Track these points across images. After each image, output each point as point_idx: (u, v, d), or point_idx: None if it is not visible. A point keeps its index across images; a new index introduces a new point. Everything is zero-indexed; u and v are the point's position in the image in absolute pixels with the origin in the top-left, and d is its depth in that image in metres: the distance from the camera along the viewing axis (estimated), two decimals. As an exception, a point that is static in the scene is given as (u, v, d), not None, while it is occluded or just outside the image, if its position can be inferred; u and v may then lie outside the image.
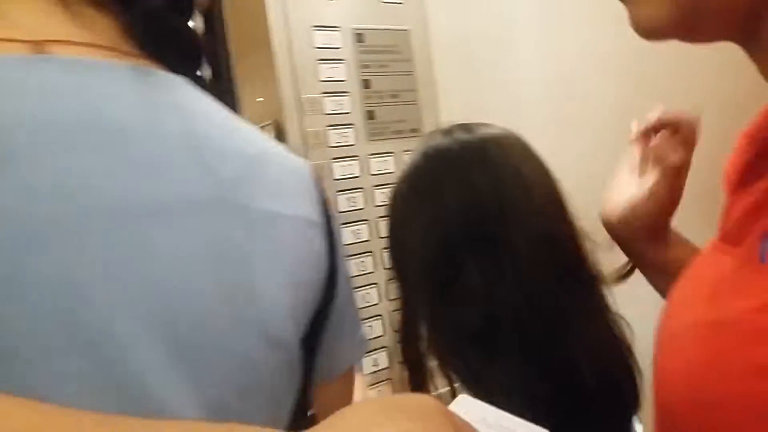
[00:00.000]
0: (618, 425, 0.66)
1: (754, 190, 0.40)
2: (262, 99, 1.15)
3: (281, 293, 0.43)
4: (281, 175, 0.46)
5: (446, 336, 0.63)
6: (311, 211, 0.47)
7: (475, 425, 0.34)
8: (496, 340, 0.60)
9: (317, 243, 0.47)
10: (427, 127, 1.22)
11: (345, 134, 1.13)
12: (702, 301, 0.40)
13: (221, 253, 0.40)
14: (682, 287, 0.46)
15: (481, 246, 0.61)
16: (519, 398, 0.56)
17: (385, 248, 1.15)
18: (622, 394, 0.65)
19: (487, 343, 0.61)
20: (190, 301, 0.38)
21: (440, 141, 0.66)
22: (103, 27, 0.41)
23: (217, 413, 0.38)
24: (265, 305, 0.41)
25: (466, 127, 0.67)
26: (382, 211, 1.16)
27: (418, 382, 0.67)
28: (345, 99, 1.14)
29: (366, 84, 1.17)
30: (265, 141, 0.47)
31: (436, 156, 0.65)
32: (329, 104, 1.12)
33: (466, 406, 0.38)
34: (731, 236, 0.41)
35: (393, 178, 1.17)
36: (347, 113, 1.14)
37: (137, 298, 0.36)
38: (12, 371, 0.32)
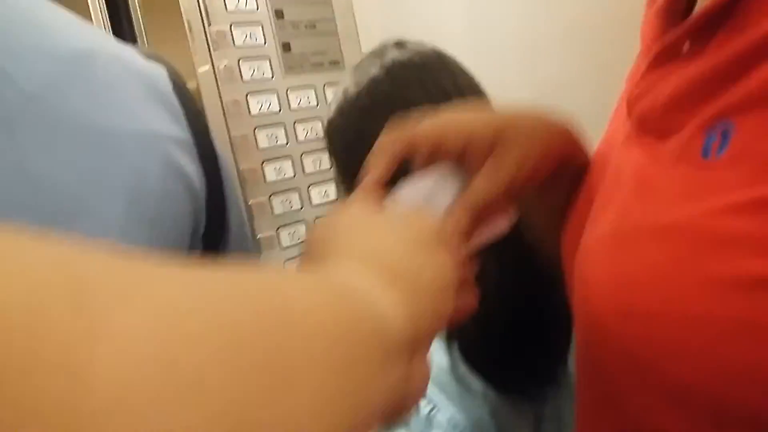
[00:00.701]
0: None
1: (689, 66, 0.32)
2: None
3: (121, 231, 0.34)
4: (116, 81, 0.36)
5: None
6: (172, 127, 0.38)
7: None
8: None
9: (180, 166, 0.38)
10: (349, 59, 1.17)
11: (260, 68, 1.07)
12: (628, 205, 0.34)
13: (22, 189, 0.31)
14: (593, 190, 0.40)
15: None
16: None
17: (313, 184, 1.11)
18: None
19: None
20: None
21: (393, 55, 0.67)
22: None
23: None
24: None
25: (401, 44, 0.68)
26: (306, 147, 1.10)
27: None
28: (257, 30, 1.07)
29: (279, 14, 1.10)
30: (102, 40, 0.37)
31: (398, 66, 0.66)
32: (240, 36, 1.05)
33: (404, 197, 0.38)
34: (655, 126, 0.34)
35: (315, 113, 1.12)
36: (261, 45, 1.07)
37: None
38: None
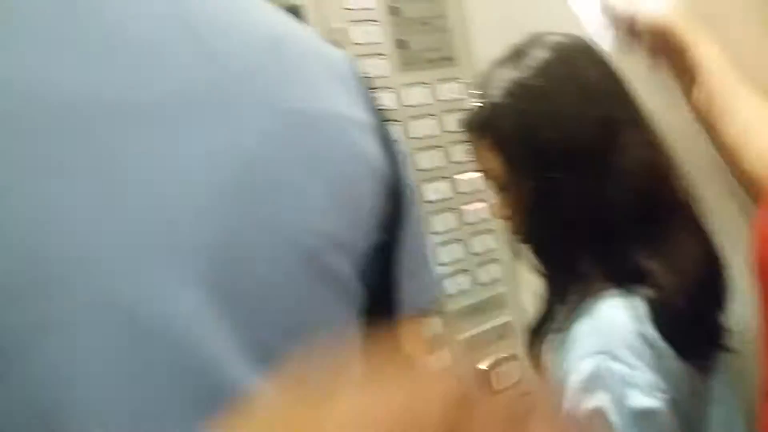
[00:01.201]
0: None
1: None
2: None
3: (321, 213, 0.35)
4: (307, 64, 0.36)
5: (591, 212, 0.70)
6: (353, 110, 0.38)
7: None
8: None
9: (366, 147, 0.38)
10: (462, 55, 1.15)
11: (376, 65, 1.07)
12: None
13: (235, 164, 0.32)
14: None
15: (631, 120, 0.72)
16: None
17: (425, 180, 1.09)
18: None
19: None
20: (205, 229, 0.31)
21: (556, 38, 0.74)
22: None
23: (262, 357, 0.32)
24: (302, 230, 0.34)
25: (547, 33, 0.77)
26: (418, 143, 1.09)
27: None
28: (373, 27, 1.07)
29: (394, 11, 1.10)
30: (289, 23, 0.38)
31: (568, 47, 0.74)
32: (356, 34, 1.06)
33: None
34: None
35: (429, 109, 1.11)
36: (377, 42, 1.07)
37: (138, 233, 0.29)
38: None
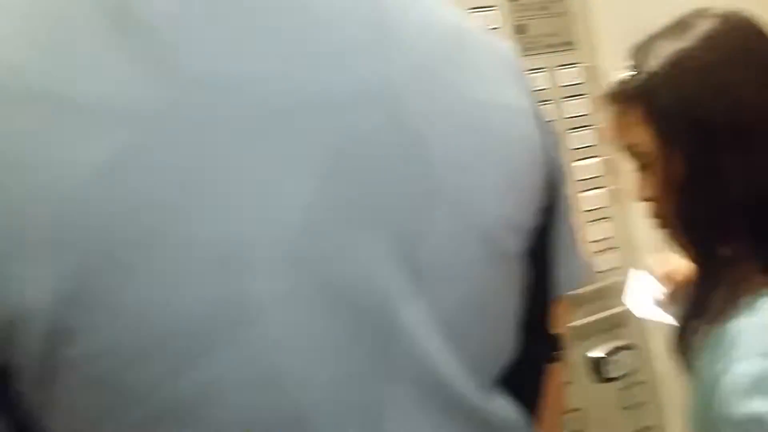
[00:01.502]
0: None
1: None
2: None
3: (498, 197, 0.37)
4: (484, 56, 0.39)
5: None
6: (521, 99, 0.40)
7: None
8: None
9: (532, 134, 0.40)
10: (581, 39, 1.13)
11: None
12: None
13: (423, 151, 0.34)
14: None
15: None
16: None
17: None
18: None
19: None
20: (405, 208, 0.34)
21: (723, 12, 0.71)
22: None
23: (451, 334, 0.35)
24: (482, 212, 0.36)
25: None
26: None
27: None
28: (492, 13, 1.08)
29: (513, -4, 1.09)
30: (460, 16, 0.40)
31: (736, 20, 0.71)
32: (476, 20, 1.06)
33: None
34: None
35: (547, 94, 1.10)
36: (496, 28, 1.08)
37: (363, 211, 0.33)
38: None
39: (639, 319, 1.01)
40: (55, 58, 0.29)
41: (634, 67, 0.72)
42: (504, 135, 0.38)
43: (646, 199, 0.73)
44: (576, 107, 1.10)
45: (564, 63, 1.11)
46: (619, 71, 0.75)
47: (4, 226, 0.28)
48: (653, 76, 0.69)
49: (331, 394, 0.32)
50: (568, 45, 1.13)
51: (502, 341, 0.39)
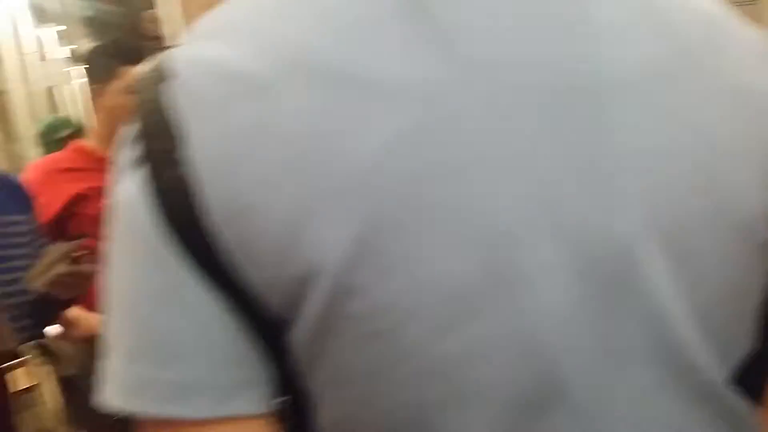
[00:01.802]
0: None
1: None
2: None
3: (757, 185, 0.36)
4: (740, 43, 0.38)
5: None
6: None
7: None
8: None
9: None
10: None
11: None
12: None
13: (695, 137, 0.34)
14: None
15: None
16: None
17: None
18: None
19: None
20: (676, 193, 0.33)
21: None
22: None
23: (706, 322, 0.34)
24: (741, 199, 0.35)
25: None
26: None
27: None
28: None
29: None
30: (713, 1, 0.40)
31: None
32: None
33: None
34: None
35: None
36: None
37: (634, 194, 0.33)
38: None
39: None
40: (356, 45, 0.32)
41: None
42: (762, 122, 0.37)
43: None
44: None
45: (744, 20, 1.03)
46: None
47: (311, 187, 0.31)
48: None
49: (587, 368, 0.33)
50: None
51: (746, 332, 0.38)
